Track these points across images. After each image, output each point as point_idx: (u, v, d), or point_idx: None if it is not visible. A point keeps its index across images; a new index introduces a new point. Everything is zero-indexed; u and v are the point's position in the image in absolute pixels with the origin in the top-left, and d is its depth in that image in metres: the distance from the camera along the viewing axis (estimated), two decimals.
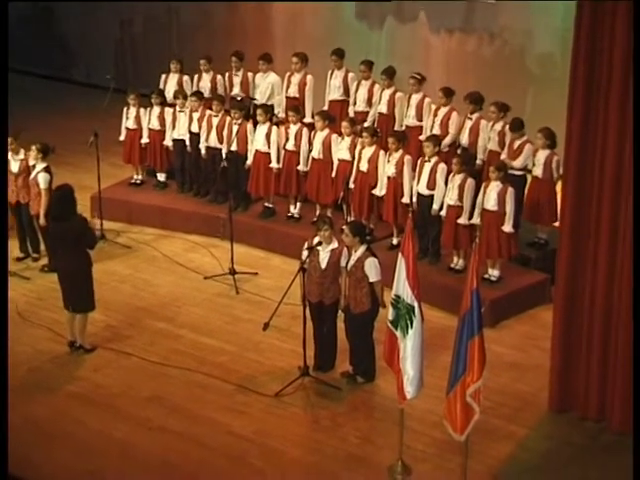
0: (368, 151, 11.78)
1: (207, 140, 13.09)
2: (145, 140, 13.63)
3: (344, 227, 9.78)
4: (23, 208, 12.16)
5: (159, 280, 12.05)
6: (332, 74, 13.29)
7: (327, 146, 12.18)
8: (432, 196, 11.33)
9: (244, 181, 12.88)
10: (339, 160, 12.12)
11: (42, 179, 11.83)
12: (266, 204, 12.97)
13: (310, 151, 12.36)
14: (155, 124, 13.53)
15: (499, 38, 14.58)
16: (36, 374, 10.10)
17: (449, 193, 11.18)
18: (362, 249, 9.59)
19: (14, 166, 12.10)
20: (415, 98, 12.55)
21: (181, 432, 9.17)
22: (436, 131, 12.17)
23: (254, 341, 10.61)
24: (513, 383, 9.91)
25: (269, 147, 12.54)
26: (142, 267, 12.38)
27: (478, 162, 11.93)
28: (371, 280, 9.52)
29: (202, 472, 8.74)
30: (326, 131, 12.21)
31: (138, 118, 13.59)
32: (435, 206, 11.31)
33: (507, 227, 10.98)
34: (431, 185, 11.32)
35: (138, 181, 14.00)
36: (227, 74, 13.98)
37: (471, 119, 12.07)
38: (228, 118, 12.93)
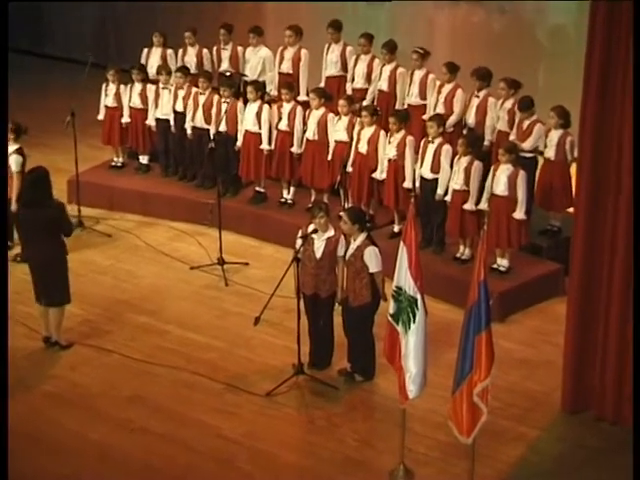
0: (367, 131, 11.77)
1: (193, 120, 13.07)
2: (126, 119, 13.60)
3: (342, 214, 9.78)
4: None
5: (142, 271, 12.04)
6: (329, 48, 13.27)
7: (323, 126, 12.17)
8: (436, 180, 11.33)
9: (233, 164, 12.89)
10: (336, 141, 12.11)
11: (14, 162, 11.79)
12: (257, 189, 12.97)
13: (304, 131, 12.36)
14: (137, 102, 13.50)
15: (508, 9, 14.56)
16: (9, 372, 10.07)
17: (454, 177, 11.18)
18: (361, 237, 9.59)
19: None
20: (418, 74, 12.54)
21: (165, 434, 9.17)
22: (440, 110, 12.17)
23: (245, 337, 10.62)
24: (523, 381, 9.93)
25: (260, 127, 12.53)
26: (123, 257, 12.38)
27: (486, 143, 11.94)
28: (371, 271, 9.52)
29: (188, 477, 8.74)
30: (322, 110, 12.20)
31: (118, 95, 13.57)
32: (439, 191, 11.32)
33: (519, 214, 10.97)
34: (435, 168, 11.32)
35: (119, 164, 13.98)
36: (215, 48, 13.98)
37: (478, 97, 12.07)
38: (216, 96, 12.91)
